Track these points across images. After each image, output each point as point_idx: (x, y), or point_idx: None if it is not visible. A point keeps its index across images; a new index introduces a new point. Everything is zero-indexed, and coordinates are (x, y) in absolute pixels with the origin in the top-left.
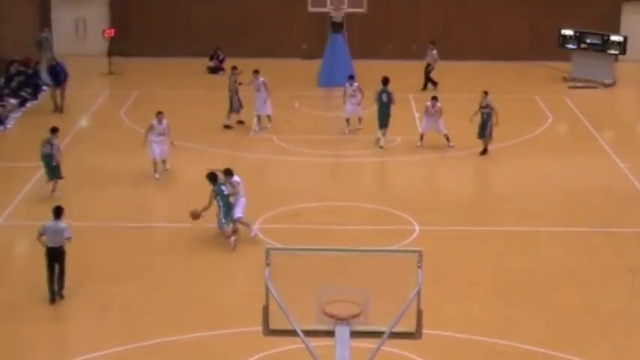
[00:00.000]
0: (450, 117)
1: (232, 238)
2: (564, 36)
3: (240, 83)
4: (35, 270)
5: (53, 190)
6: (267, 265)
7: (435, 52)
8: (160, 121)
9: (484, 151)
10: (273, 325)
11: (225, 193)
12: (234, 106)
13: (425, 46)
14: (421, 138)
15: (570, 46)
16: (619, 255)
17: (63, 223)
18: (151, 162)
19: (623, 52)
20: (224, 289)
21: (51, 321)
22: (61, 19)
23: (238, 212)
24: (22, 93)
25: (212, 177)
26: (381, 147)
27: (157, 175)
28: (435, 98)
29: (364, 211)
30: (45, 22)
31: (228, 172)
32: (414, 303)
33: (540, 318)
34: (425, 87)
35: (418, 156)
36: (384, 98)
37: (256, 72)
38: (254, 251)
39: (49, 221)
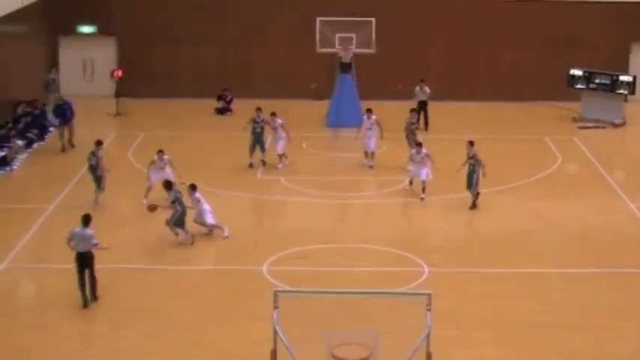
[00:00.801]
0: (458, 160)
1: (182, 236)
2: (573, 76)
3: (267, 123)
4: (41, 313)
5: (96, 202)
6: (275, 307)
7: (427, 88)
8: (160, 158)
9: (473, 205)
10: None
11: (180, 198)
12: (259, 146)
13: (433, 86)
14: (410, 183)
15: (579, 86)
16: (630, 297)
17: (90, 231)
18: (146, 187)
19: (633, 92)
20: (232, 332)
21: None
22: (69, 59)
23: (210, 219)
24: (29, 134)
25: (168, 184)
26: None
27: (146, 201)
28: (419, 145)
29: (373, 253)
30: (52, 63)
31: (193, 187)
32: (424, 346)
33: None
34: (427, 126)
35: (427, 198)
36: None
37: (273, 114)
38: (262, 293)
39: (77, 227)
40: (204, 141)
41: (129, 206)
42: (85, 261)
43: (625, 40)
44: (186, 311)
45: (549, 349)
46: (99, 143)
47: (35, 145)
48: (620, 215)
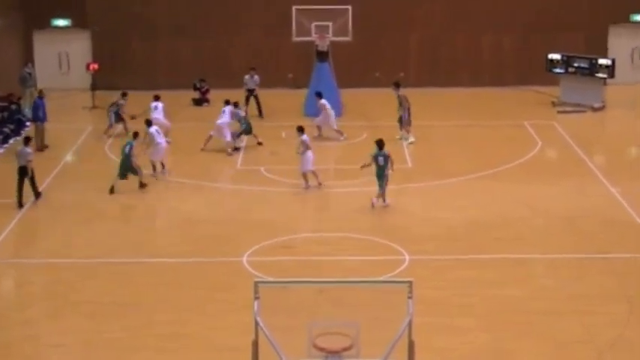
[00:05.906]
0: (441, 144)
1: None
2: (552, 60)
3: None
4: (24, 308)
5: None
6: (256, 298)
7: (257, 77)
8: (155, 107)
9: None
10: None
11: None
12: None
13: (409, 74)
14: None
15: (558, 70)
16: (614, 281)
17: (28, 149)
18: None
19: (612, 75)
20: (213, 324)
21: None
22: (44, 53)
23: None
24: (5, 129)
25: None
26: (411, 142)
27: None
28: (318, 94)
29: (354, 242)
30: (28, 57)
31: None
32: (406, 334)
33: (536, 347)
34: (260, 113)
35: (406, 185)
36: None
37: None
38: (243, 284)
39: (20, 146)
40: (181, 132)
41: (106, 200)
42: (23, 172)
43: (603, 23)
44: (168, 304)
45: (536, 336)
46: (135, 135)
47: (11, 140)
48: (602, 199)
